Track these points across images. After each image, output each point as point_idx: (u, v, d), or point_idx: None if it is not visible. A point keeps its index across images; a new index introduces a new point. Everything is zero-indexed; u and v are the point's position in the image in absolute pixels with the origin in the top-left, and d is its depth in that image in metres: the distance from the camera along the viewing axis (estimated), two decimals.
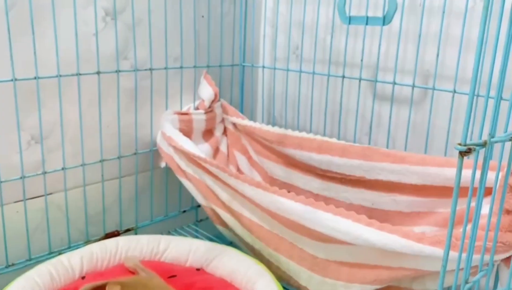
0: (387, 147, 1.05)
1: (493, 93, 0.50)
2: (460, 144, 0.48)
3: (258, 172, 1.20)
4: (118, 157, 1.08)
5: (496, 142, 0.51)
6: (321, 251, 0.80)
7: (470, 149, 0.48)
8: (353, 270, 0.76)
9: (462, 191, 0.81)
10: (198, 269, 0.94)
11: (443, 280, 0.53)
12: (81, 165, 1.02)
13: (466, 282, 0.56)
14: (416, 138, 1.02)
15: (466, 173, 0.73)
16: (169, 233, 1.18)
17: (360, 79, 1.05)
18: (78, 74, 0.97)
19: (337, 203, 1.02)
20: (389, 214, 0.93)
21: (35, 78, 0.90)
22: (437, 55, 0.90)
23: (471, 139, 0.50)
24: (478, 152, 0.49)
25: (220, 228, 1.04)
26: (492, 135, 0.51)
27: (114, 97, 1.05)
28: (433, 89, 0.92)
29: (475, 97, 0.86)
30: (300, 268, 0.84)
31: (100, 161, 1.04)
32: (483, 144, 0.50)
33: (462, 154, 0.48)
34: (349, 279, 0.77)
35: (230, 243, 1.04)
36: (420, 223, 0.88)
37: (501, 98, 0.51)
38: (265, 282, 0.83)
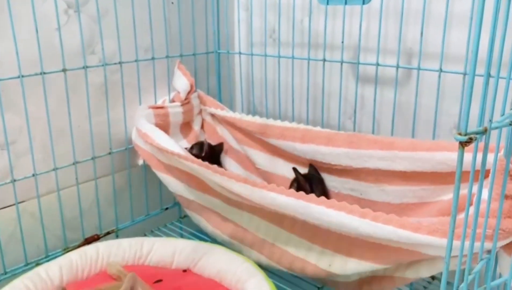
0: (373, 130, 1.02)
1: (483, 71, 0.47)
2: (460, 134, 0.44)
3: (237, 161, 1.15)
4: (92, 158, 1.02)
5: (495, 128, 0.48)
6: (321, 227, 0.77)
7: (471, 138, 0.45)
8: (353, 243, 0.73)
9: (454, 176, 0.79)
10: (184, 271, 0.90)
11: (447, 274, 0.50)
12: (53, 170, 0.96)
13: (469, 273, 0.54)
14: (402, 119, 0.99)
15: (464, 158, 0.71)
16: (152, 232, 1.13)
17: (342, 62, 1.01)
18: (43, 73, 0.90)
19: None
20: (378, 205, 0.90)
21: None
22: (421, 34, 0.87)
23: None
24: (478, 139, 0.46)
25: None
26: (491, 120, 0.48)
27: (83, 94, 0.98)
28: (418, 69, 0.89)
29: (467, 78, 0.84)
30: (301, 240, 0.80)
31: (73, 164, 0.99)
32: (483, 131, 0.46)
33: (463, 144, 0.45)
34: (348, 253, 0.75)
35: (216, 239, 1.00)
36: (411, 215, 0.85)
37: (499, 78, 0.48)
38: (256, 281, 0.80)
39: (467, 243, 0.53)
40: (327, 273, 0.78)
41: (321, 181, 0.98)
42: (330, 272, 0.77)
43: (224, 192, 0.89)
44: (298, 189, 0.94)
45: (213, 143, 1.15)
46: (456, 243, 0.55)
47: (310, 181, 0.96)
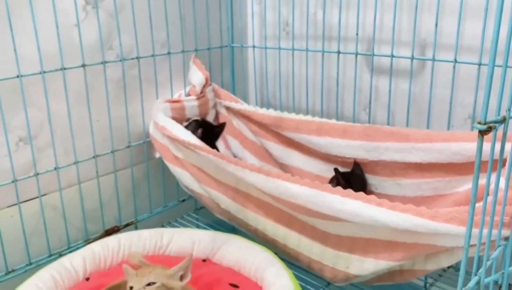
0: (388, 121, 1.02)
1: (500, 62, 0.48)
2: (480, 123, 0.45)
3: (254, 153, 1.17)
4: (112, 152, 1.04)
5: None
6: (332, 228, 0.78)
7: (490, 127, 0.46)
8: (368, 244, 0.75)
9: (472, 166, 0.80)
10: (204, 260, 0.92)
11: (466, 260, 0.52)
12: (74, 163, 0.98)
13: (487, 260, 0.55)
14: (416, 110, 1.00)
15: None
16: (169, 223, 1.16)
17: (356, 54, 1.02)
18: (63, 69, 0.92)
19: None
20: (393, 199, 0.91)
21: (17, 76, 0.85)
22: (436, 25, 0.87)
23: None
24: (497, 128, 0.47)
25: (219, 216, 1.02)
26: (509, 109, 0.49)
27: (102, 90, 1.00)
28: (433, 60, 0.89)
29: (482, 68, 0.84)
30: (313, 243, 0.81)
31: (94, 157, 1.01)
32: (502, 120, 0.48)
33: (482, 133, 0.46)
34: (364, 253, 0.76)
35: (233, 230, 1.02)
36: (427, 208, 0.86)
37: None
38: (276, 270, 0.81)
39: (485, 231, 0.55)
40: (345, 275, 0.79)
41: (362, 180, 0.94)
42: (348, 273, 0.78)
43: (232, 183, 0.91)
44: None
45: (229, 134, 1.16)
46: (474, 230, 0.56)
47: (349, 179, 0.93)
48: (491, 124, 0.46)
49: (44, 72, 0.89)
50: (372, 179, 0.92)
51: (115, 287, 0.78)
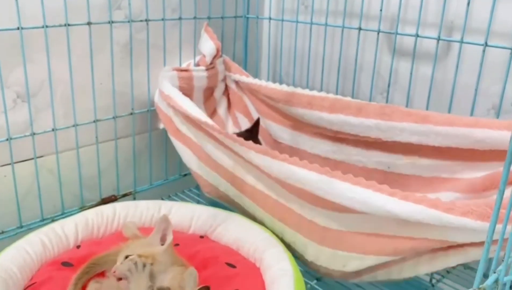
0: (406, 107, 0.97)
1: None
2: None
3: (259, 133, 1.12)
4: (114, 117, 1.00)
5: None
6: (334, 221, 0.73)
7: None
8: (369, 240, 0.70)
9: (495, 154, 0.75)
10: (202, 237, 0.88)
11: (487, 256, 0.47)
12: (73, 126, 0.94)
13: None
14: (436, 98, 0.94)
15: (505, 135, 0.66)
16: (169, 197, 1.12)
17: (378, 32, 0.95)
18: (67, 25, 0.87)
19: (348, 166, 0.95)
20: (407, 179, 0.86)
21: (18, 28, 0.81)
22: (468, 4, 0.81)
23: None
24: None
25: (217, 199, 0.97)
26: None
27: (107, 51, 0.95)
28: (461, 42, 0.83)
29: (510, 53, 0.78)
30: (308, 241, 0.77)
31: (94, 122, 0.97)
32: None
33: None
34: (364, 251, 0.71)
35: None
36: (441, 189, 0.81)
37: None
38: (276, 252, 0.77)
39: (508, 227, 0.49)
40: (342, 273, 0.75)
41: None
42: (345, 271, 0.74)
43: (229, 168, 0.87)
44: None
45: (238, 111, 1.12)
46: (498, 226, 0.51)
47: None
48: None
49: (47, 26, 0.84)
50: (385, 157, 0.87)
51: (101, 258, 0.74)
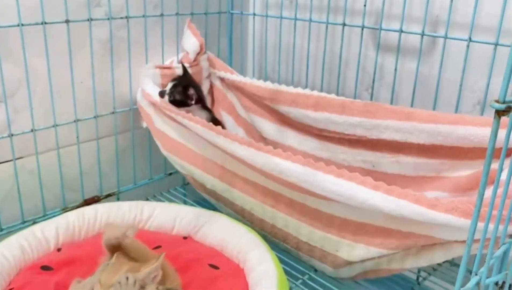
0: (391, 103, 0.96)
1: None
2: (497, 102, 0.39)
3: (245, 130, 1.10)
4: (95, 117, 0.98)
5: None
6: (324, 206, 0.73)
7: (509, 107, 0.39)
8: (359, 228, 0.70)
9: (480, 151, 0.74)
10: (185, 238, 0.87)
11: (468, 258, 0.46)
12: (53, 126, 0.92)
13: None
14: (422, 93, 0.93)
15: (488, 132, 0.65)
16: (154, 197, 1.10)
17: (362, 27, 0.94)
18: (44, 23, 0.85)
19: (334, 165, 0.93)
20: (392, 178, 0.85)
21: None
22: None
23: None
24: None
25: (205, 195, 0.96)
26: None
27: (87, 50, 0.93)
28: (445, 37, 0.82)
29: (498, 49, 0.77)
30: (301, 224, 0.77)
31: (75, 121, 0.95)
32: None
33: (499, 113, 0.40)
34: (354, 238, 0.71)
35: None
36: (427, 188, 0.81)
37: None
38: (260, 253, 0.76)
39: (490, 226, 0.49)
40: (334, 258, 0.75)
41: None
42: (338, 256, 0.74)
43: (219, 161, 0.86)
44: None
45: (223, 109, 1.10)
46: (480, 224, 0.50)
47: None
48: (511, 104, 0.40)
49: (23, 24, 0.82)
50: (369, 156, 0.86)
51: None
